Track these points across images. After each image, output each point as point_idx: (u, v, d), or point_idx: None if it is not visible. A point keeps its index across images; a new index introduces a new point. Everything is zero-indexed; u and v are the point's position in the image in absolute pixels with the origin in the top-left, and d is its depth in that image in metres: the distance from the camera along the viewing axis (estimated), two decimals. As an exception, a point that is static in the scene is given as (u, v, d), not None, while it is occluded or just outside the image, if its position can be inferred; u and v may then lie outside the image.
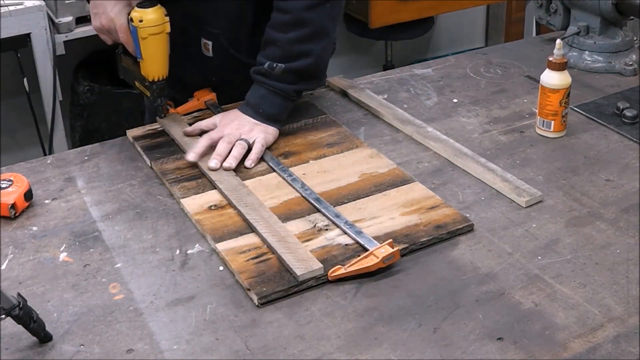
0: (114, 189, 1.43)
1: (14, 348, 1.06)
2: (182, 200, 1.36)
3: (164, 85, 1.57)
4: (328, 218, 1.29)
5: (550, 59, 1.52)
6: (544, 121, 1.54)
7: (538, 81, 1.55)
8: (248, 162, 1.47)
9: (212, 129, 1.55)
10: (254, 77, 1.58)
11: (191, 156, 1.47)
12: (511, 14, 4.14)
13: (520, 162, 1.47)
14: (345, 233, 1.26)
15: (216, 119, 1.58)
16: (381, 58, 3.76)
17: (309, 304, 1.13)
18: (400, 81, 1.81)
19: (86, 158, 1.54)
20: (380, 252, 1.18)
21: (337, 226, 1.27)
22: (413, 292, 1.14)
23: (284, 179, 1.42)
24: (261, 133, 1.52)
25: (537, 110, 1.56)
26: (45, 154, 2.73)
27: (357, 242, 1.23)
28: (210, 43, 1.67)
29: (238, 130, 1.52)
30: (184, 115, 1.65)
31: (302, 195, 1.37)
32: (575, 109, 1.64)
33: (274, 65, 1.54)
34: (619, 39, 1.85)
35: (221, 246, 1.24)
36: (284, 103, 1.57)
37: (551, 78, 1.52)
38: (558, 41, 1.53)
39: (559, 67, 1.51)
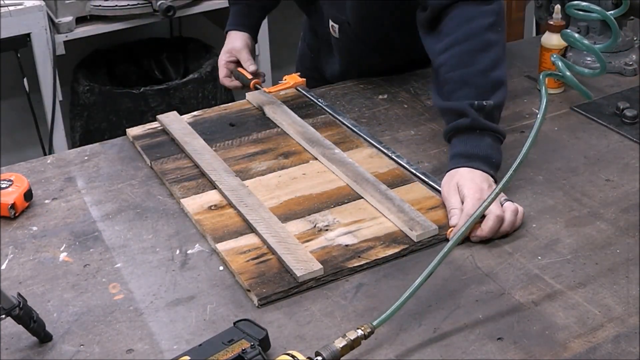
0: (114, 189, 1.43)
1: (14, 348, 1.07)
2: (182, 200, 1.36)
3: None
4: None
5: (550, 22, 1.71)
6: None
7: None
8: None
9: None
10: (463, 125, 1.35)
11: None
12: (511, 14, 4.13)
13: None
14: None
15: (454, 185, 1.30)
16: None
17: (309, 304, 1.14)
18: (400, 81, 1.81)
19: (86, 158, 1.54)
20: None
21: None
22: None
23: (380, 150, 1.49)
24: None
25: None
26: (45, 154, 2.73)
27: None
28: (337, 26, 1.72)
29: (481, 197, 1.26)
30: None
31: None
32: (576, 109, 1.64)
33: (484, 103, 1.34)
34: (619, 39, 1.85)
35: (221, 246, 1.24)
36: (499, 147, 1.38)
37: (550, 39, 1.71)
38: (557, 7, 1.68)
39: (557, 29, 1.67)
